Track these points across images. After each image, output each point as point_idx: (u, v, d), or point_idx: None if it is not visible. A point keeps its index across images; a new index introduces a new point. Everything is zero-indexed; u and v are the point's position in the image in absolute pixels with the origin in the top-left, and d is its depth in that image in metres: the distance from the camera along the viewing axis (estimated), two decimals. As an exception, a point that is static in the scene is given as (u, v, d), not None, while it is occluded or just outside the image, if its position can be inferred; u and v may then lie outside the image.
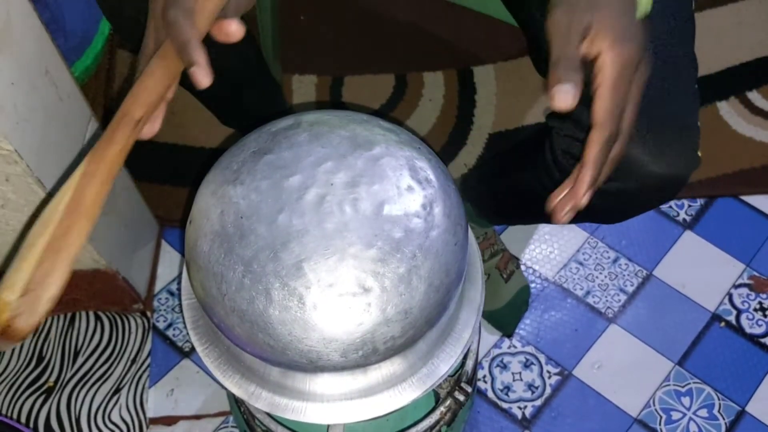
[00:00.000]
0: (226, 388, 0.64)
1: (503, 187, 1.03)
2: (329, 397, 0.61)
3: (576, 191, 0.52)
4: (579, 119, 0.76)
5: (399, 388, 0.62)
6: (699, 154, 0.76)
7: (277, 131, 0.59)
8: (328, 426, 0.69)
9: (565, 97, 0.47)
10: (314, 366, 0.55)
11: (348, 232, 0.53)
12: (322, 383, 0.60)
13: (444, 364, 0.64)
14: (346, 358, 0.55)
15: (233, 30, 0.51)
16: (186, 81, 0.54)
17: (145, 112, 0.52)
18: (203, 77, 0.50)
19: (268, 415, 0.75)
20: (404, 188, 0.56)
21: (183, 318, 0.67)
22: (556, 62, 0.49)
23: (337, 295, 0.53)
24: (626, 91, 0.51)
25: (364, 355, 0.55)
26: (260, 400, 0.63)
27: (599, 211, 0.85)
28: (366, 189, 0.55)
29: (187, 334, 0.68)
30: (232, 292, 0.54)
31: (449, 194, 0.59)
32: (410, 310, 0.54)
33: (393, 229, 0.54)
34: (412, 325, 0.55)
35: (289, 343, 0.54)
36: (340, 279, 0.53)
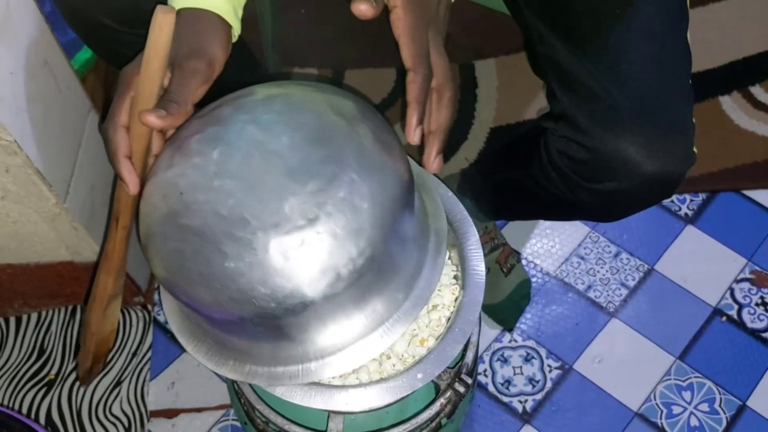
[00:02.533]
0: (223, 377, 0.64)
1: (499, 183, 1.04)
2: (321, 352, 0.62)
3: (407, 131, 0.60)
4: (574, 121, 0.76)
5: (387, 325, 0.63)
6: (695, 150, 0.76)
7: (203, 114, 0.62)
8: (328, 416, 0.69)
9: (365, 9, 0.57)
10: (286, 310, 0.57)
11: (281, 177, 0.56)
12: (311, 342, 0.61)
13: (426, 290, 0.64)
14: (314, 289, 0.56)
15: (150, 120, 0.58)
16: None
17: (120, 213, 0.65)
18: (125, 187, 0.61)
19: (268, 405, 0.75)
20: (327, 124, 0.59)
21: (168, 323, 0.69)
22: None
23: (285, 232, 0.55)
24: (423, 38, 0.60)
25: (330, 284, 0.56)
26: (257, 376, 0.64)
27: (598, 210, 0.85)
28: (290, 134, 0.57)
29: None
30: (191, 262, 0.57)
31: (371, 117, 0.61)
32: (361, 228, 0.56)
33: (324, 161, 0.56)
34: (368, 243, 0.57)
35: (254, 290, 0.56)
36: (284, 217, 0.55)
